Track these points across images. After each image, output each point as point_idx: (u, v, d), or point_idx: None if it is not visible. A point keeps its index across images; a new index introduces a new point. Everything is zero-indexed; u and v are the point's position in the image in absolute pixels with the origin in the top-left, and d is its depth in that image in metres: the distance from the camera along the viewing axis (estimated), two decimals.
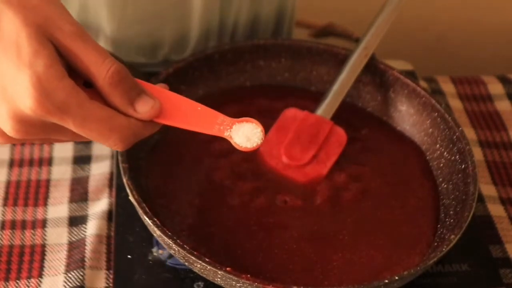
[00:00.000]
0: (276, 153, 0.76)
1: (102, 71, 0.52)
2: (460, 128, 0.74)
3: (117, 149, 0.54)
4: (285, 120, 0.78)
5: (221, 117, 0.57)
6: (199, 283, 0.68)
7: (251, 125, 0.57)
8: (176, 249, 0.63)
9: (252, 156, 0.76)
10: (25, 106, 0.50)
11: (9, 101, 0.51)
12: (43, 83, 0.50)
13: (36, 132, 0.52)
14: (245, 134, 0.56)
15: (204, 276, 0.65)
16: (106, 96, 0.53)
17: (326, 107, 0.78)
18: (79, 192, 0.78)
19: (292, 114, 0.78)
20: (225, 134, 0.56)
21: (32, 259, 0.72)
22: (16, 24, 0.50)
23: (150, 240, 0.70)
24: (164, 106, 0.56)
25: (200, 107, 0.57)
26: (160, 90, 0.56)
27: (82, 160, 0.81)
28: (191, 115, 0.57)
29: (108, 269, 0.71)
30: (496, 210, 0.80)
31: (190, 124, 0.57)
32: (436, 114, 0.77)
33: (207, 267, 0.62)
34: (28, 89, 0.50)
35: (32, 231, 0.75)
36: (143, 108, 0.54)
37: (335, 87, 0.78)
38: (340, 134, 0.77)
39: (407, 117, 0.80)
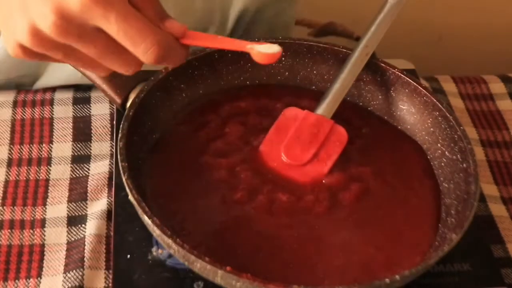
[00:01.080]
0: (276, 153, 0.75)
1: None
2: (462, 127, 0.74)
3: (148, 57, 0.55)
4: (285, 119, 0.78)
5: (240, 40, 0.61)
6: (199, 282, 0.67)
7: (269, 44, 0.60)
8: (176, 248, 0.63)
9: (252, 156, 0.76)
10: None
11: None
12: None
13: (73, 30, 0.53)
14: (265, 46, 0.60)
15: (204, 275, 0.64)
16: (141, 8, 0.55)
17: (327, 106, 0.78)
18: (78, 192, 0.78)
19: (292, 113, 0.78)
20: (247, 47, 0.60)
21: (31, 259, 0.72)
22: None
23: (149, 240, 0.70)
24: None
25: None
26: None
27: (81, 159, 0.81)
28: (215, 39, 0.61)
29: (107, 269, 0.71)
30: (497, 209, 0.80)
31: (216, 43, 0.61)
32: (438, 113, 0.77)
33: (207, 266, 0.62)
34: None
35: (31, 231, 0.74)
36: (173, 25, 0.57)
37: (336, 86, 0.78)
38: (341, 133, 0.76)
39: (408, 116, 0.80)
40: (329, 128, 0.76)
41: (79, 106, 0.87)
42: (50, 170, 0.80)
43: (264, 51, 0.59)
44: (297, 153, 0.75)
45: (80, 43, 0.54)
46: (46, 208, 0.76)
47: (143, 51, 0.54)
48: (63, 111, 0.86)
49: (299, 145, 0.75)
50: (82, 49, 0.55)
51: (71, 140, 0.83)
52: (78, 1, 0.51)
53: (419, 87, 0.78)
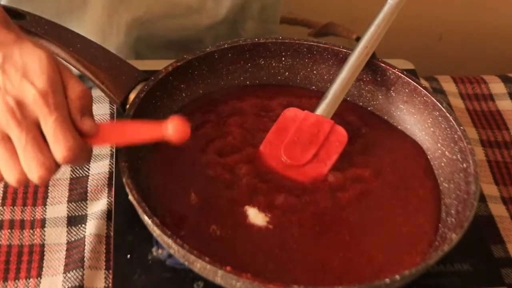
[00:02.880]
0: (276, 153, 0.75)
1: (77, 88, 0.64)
2: (462, 127, 0.74)
3: (61, 159, 0.61)
4: (285, 120, 0.77)
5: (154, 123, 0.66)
6: (199, 282, 0.67)
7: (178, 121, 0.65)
8: (176, 248, 0.63)
9: (252, 155, 0.76)
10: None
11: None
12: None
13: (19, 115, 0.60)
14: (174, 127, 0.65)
15: (204, 275, 0.64)
16: (71, 100, 0.63)
17: (326, 107, 0.77)
18: (78, 192, 0.78)
19: (292, 114, 0.78)
20: (162, 134, 0.65)
21: (31, 259, 0.72)
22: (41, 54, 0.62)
23: (149, 240, 0.70)
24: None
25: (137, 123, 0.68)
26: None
27: None
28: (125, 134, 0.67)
29: (107, 269, 0.71)
30: (497, 209, 0.80)
31: (127, 137, 0.67)
32: (437, 113, 0.77)
33: (207, 266, 0.62)
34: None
35: (31, 231, 0.74)
36: (88, 123, 0.63)
37: (336, 86, 0.78)
38: (341, 133, 0.76)
39: (408, 116, 0.80)
40: (329, 128, 0.76)
41: None
42: None
43: (173, 133, 0.65)
44: (297, 154, 0.75)
45: (18, 128, 0.60)
46: (46, 208, 0.76)
47: (60, 152, 0.61)
48: None
49: (299, 145, 0.75)
50: (14, 135, 0.60)
51: None
52: (32, 95, 0.60)
53: (419, 87, 0.78)
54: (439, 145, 0.77)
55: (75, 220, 0.75)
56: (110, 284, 0.70)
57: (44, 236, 0.74)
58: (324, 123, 0.76)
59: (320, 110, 0.78)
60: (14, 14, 0.74)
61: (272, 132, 0.77)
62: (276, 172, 0.74)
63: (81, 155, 0.62)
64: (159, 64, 0.79)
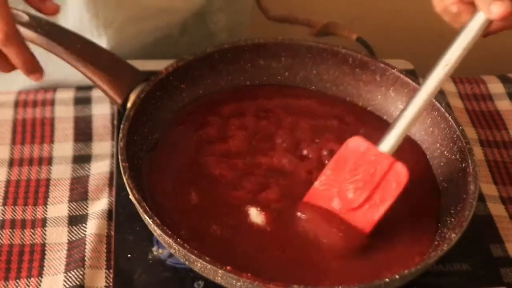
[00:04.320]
0: (329, 193, 0.70)
1: None
2: (461, 127, 0.74)
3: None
4: (347, 153, 0.70)
5: None
6: (199, 282, 0.67)
7: None
8: (176, 248, 0.63)
9: (252, 155, 0.76)
10: None
11: None
12: None
13: None
14: None
15: (204, 275, 0.64)
16: None
17: (391, 141, 0.69)
18: (79, 192, 0.78)
19: (355, 145, 0.70)
20: None
21: (32, 259, 0.72)
22: None
23: (150, 239, 0.70)
24: None
25: None
26: None
27: (82, 159, 0.81)
28: None
29: (108, 268, 0.71)
30: (496, 209, 0.80)
31: None
32: (437, 113, 0.77)
33: (207, 266, 0.62)
34: None
35: (32, 230, 0.74)
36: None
37: (406, 117, 0.69)
38: (400, 174, 0.68)
39: None
40: (387, 166, 0.68)
41: (80, 106, 0.87)
42: (51, 170, 0.80)
43: None
44: (349, 195, 0.68)
45: None
46: (47, 208, 0.76)
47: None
48: (64, 111, 0.86)
49: (353, 185, 0.69)
50: None
51: (72, 140, 0.83)
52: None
53: (418, 87, 0.78)
54: (438, 145, 0.77)
55: (76, 220, 0.76)
56: (110, 284, 0.70)
57: (45, 235, 0.74)
58: (382, 160, 0.69)
59: (383, 144, 0.69)
60: (14, 15, 0.75)
61: (330, 167, 0.70)
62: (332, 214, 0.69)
63: (13, 41, 0.67)
64: (159, 64, 0.79)
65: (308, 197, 0.71)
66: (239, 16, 1.03)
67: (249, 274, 0.61)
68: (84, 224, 0.75)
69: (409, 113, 0.69)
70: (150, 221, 0.64)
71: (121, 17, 0.89)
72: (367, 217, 0.69)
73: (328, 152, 0.76)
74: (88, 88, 0.88)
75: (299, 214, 0.70)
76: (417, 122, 0.71)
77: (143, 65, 0.80)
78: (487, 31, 0.67)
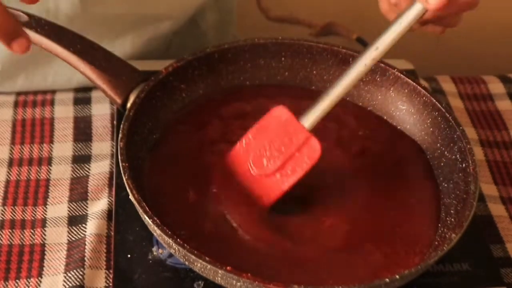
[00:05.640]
0: (245, 158, 0.71)
1: None
2: (461, 127, 0.74)
3: None
4: (270, 120, 0.72)
5: None
6: (199, 282, 0.67)
7: None
8: (176, 248, 0.63)
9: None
10: None
11: None
12: None
13: None
14: None
15: (204, 275, 0.64)
16: None
17: (311, 116, 0.71)
18: (79, 192, 0.78)
19: (278, 114, 0.72)
20: None
21: (32, 259, 0.72)
22: None
23: (150, 240, 0.70)
24: None
25: None
26: None
27: (81, 159, 0.81)
28: None
29: (108, 268, 0.71)
30: (497, 209, 0.80)
31: None
32: (437, 113, 0.77)
33: (207, 266, 0.62)
34: None
35: (32, 230, 0.74)
36: None
37: (331, 94, 0.71)
38: (314, 149, 0.70)
39: (408, 116, 0.80)
40: (302, 140, 0.70)
41: (79, 106, 0.87)
42: (50, 170, 0.80)
43: None
44: (263, 162, 0.70)
45: None
46: (46, 208, 0.76)
47: None
48: (63, 111, 0.86)
49: (268, 152, 0.70)
50: None
51: (72, 140, 0.83)
52: None
53: (418, 87, 0.79)
54: (438, 145, 0.77)
55: (75, 220, 0.75)
56: (110, 284, 0.70)
57: (45, 235, 0.74)
58: (299, 133, 0.70)
59: (304, 118, 0.71)
60: (14, 14, 0.75)
61: (252, 132, 0.72)
62: (238, 179, 0.71)
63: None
64: (159, 64, 0.79)
65: (230, 156, 0.72)
66: (226, 14, 1.03)
67: (249, 274, 0.61)
68: (84, 224, 0.75)
69: (333, 92, 0.71)
70: (150, 221, 0.64)
71: (119, 26, 0.89)
72: (276, 186, 0.70)
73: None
74: (88, 88, 0.88)
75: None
76: (345, 94, 0.71)
77: (143, 65, 0.80)
78: (422, 20, 0.70)
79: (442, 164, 0.76)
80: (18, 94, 0.88)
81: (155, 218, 0.64)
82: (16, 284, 0.70)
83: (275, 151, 0.70)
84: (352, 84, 0.70)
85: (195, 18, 0.98)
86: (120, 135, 0.70)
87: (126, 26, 0.89)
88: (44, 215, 0.76)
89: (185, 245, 0.63)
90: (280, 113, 0.72)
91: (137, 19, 0.89)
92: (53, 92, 0.88)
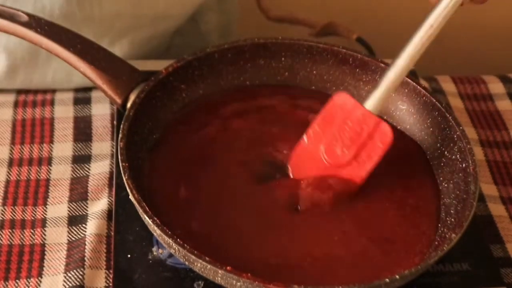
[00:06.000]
0: (316, 150, 0.70)
1: None
2: (461, 127, 0.74)
3: None
4: (333, 108, 0.71)
5: None
6: (199, 282, 0.67)
7: None
8: (176, 248, 0.63)
9: (252, 156, 0.76)
10: None
11: None
12: None
13: None
14: None
15: (204, 275, 0.64)
16: None
17: (376, 99, 0.70)
18: (79, 192, 0.78)
19: (341, 101, 0.71)
20: None
21: (32, 259, 0.72)
22: None
23: (150, 240, 0.70)
24: None
25: None
26: None
27: (81, 159, 0.81)
28: None
29: (108, 268, 0.71)
30: (497, 209, 0.80)
31: None
32: (437, 113, 0.77)
33: (207, 266, 0.62)
34: None
35: (32, 230, 0.74)
36: None
37: (391, 74, 0.70)
38: (385, 133, 0.70)
39: (408, 116, 0.80)
40: (372, 125, 0.70)
41: (79, 106, 0.87)
42: (50, 170, 0.80)
43: None
44: (337, 152, 0.69)
45: None
46: (46, 208, 0.76)
47: None
48: (63, 111, 0.86)
49: (340, 142, 0.70)
50: None
51: (72, 140, 0.83)
52: None
53: (418, 87, 0.79)
54: (438, 145, 0.77)
55: (75, 220, 0.75)
56: (110, 284, 0.70)
57: (45, 235, 0.74)
58: (368, 119, 0.70)
59: (369, 103, 0.70)
60: (14, 14, 0.75)
61: (318, 122, 0.71)
62: (313, 174, 0.71)
63: None
64: (159, 64, 0.79)
65: (296, 155, 0.71)
66: (229, 15, 1.03)
67: (249, 274, 0.61)
68: (84, 224, 0.75)
69: (393, 72, 0.70)
70: (150, 221, 0.64)
71: (117, 25, 0.89)
72: (356, 173, 0.70)
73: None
74: (88, 88, 0.88)
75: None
76: (406, 74, 0.71)
77: (143, 65, 0.80)
78: None
79: (442, 164, 0.76)
80: (18, 93, 0.88)
81: (155, 218, 0.64)
82: (16, 284, 0.70)
83: (347, 139, 0.70)
84: (409, 63, 0.69)
85: (196, 18, 0.98)
86: (120, 135, 0.70)
87: (124, 25, 0.89)
88: (44, 215, 0.76)
89: (185, 245, 0.63)
90: (344, 100, 0.71)
91: (136, 18, 0.89)
92: (53, 91, 0.88)
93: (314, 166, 0.71)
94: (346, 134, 0.70)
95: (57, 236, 0.74)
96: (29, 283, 0.70)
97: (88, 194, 0.78)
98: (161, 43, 0.94)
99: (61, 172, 0.80)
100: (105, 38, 0.87)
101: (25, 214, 0.76)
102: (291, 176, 0.72)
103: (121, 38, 0.90)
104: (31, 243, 0.73)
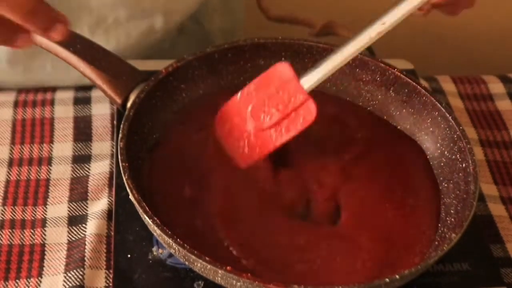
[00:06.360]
0: (243, 109, 0.72)
1: None
2: (461, 127, 0.74)
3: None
4: (273, 74, 0.72)
5: None
6: (199, 282, 0.67)
7: None
8: (176, 248, 0.63)
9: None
10: None
11: None
12: None
13: None
14: None
15: (204, 275, 0.64)
16: None
17: (312, 77, 0.71)
18: (79, 192, 0.78)
19: (281, 70, 0.72)
20: None
21: (32, 259, 0.72)
22: None
23: (150, 239, 0.70)
24: None
25: None
26: None
27: (81, 159, 0.81)
28: None
29: (108, 268, 0.71)
30: (497, 209, 0.80)
31: None
32: (437, 113, 0.77)
33: (207, 266, 0.62)
34: None
35: (32, 230, 0.74)
36: None
37: (333, 57, 0.71)
38: (309, 111, 0.70)
39: (408, 116, 0.80)
40: (300, 101, 0.70)
41: (79, 106, 0.87)
42: (50, 170, 0.80)
43: None
44: (260, 116, 0.71)
45: None
46: (46, 208, 0.76)
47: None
48: (63, 111, 0.86)
49: (266, 107, 0.71)
50: None
51: (72, 140, 0.83)
52: None
53: (418, 87, 0.79)
54: (438, 145, 0.77)
55: (75, 220, 0.75)
56: (110, 284, 0.70)
57: (45, 235, 0.74)
58: (298, 94, 0.71)
59: (305, 79, 0.71)
60: None
61: (254, 83, 0.72)
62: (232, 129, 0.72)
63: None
64: (159, 64, 0.79)
65: (226, 108, 0.73)
66: (234, 16, 1.03)
67: (249, 274, 0.61)
68: (84, 224, 0.75)
69: (335, 57, 0.70)
70: (150, 221, 0.64)
71: (113, 16, 0.89)
72: (267, 142, 0.70)
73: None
74: (88, 88, 0.88)
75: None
76: (349, 60, 0.71)
77: (143, 65, 0.80)
78: (433, 2, 0.69)
79: (442, 164, 0.76)
80: (18, 93, 0.88)
81: (155, 218, 0.64)
82: (16, 284, 0.70)
83: (273, 107, 0.71)
84: (353, 53, 0.70)
85: (200, 20, 0.98)
86: (120, 135, 0.70)
87: (121, 16, 0.89)
88: (44, 215, 0.76)
89: (185, 245, 0.63)
90: (283, 69, 0.72)
91: (133, 10, 0.89)
92: (53, 91, 0.88)
93: (238, 122, 0.72)
94: (274, 102, 0.71)
95: (57, 236, 0.74)
96: (29, 283, 0.70)
97: (88, 194, 0.78)
98: (161, 39, 0.94)
99: (61, 172, 0.80)
100: (101, 26, 0.87)
101: (25, 214, 0.76)
102: (215, 128, 0.73)
103: (117, 29, 0.90)
104: (31, 243, 0.73)
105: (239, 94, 0.73)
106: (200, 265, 0.63)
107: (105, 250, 0.73)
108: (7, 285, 0.70)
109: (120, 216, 0.73)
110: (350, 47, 0.70)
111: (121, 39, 0.90)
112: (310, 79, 0.71)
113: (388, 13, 0.69)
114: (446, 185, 0.74)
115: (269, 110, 0.71)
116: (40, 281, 0.70)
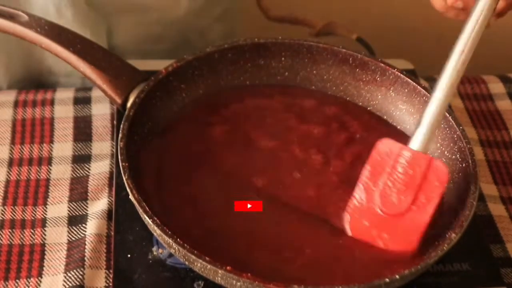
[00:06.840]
0: (369, 206, 0.68)
1: None
2: (461, 127, 0.74)
3: None
4: (379, 156, 0.69)
5: None
6: (199, 282, 0.67)
7: None
8: (176, 248, 0.63)
9: (252, 156, 0.76)
10: None
11: None
12: None
13: None
14: None
15: (204, 275, 0.64)
16: None
17: (423, 138, 0.68)
18: (79, 192, 0.78)
19: (386, 148, 0.69)
20: None
21: (32, 259, 0.72)
22: None
23: (150, 239, 0.70)
24: None
25: None
26: None
27: (81, 159, 0.81)
28: None
29: (108, 268, 0.71)
30: (497, 209, 0.80)
31: None
32: None
33: (207, 266, 0.62)
34: None
35: (32, 230, 0.74)
36: None
37: (432, 109, 0.68)
38: (441, 171, 0.68)
39: (408, 116, 0.80)
40: (425, 165, 0.67)
41: (79, 106, 0.87)
42: (50, 170, 0.80)
43: None
44: (393, 201, 0.67)
45: None
46: (46, 208, 0.76)
47: None
48: (63, 111, 0.86)
49: (394, 190, 0.67)
50: None
51: (72, 140, 0.83)
52: None
53: (418, 87, 0.79)
54: (438, 145, 0.77)
55: (75, 220, 0.75)
56: (110, 284, 0.70)
57: (45, 235, 0.74)
58: (419, 160, 0.67)
59: (415, 142, 0.68)
60: (14, 14, 0.75)
61: (366, 176, 0.69)
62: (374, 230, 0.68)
63: None
64: (159, 64, 0.79)
65: (352, 215, 0.69)
66: (233, 24, 1.05)
67: (249, 274, 0.61)
68: (84, 224, 0.75)
69: (432, 108, 0.68)
70: (150, 221, 0.64)
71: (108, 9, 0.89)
72: (417, 220, 0.67)
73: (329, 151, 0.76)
74: (88, 88, 0.88)
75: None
76: (447, 106, 0.69)
77: (143, 65, 0.80)
78: (497, 11, 0.67)
79: None
80: (19, 93, 0.88)
81: (155, 218, 0.64)
82: (16, 284, 0.70)
83: (401, 185, 0.67)
84: (450, 93, 0.67)
85: (203, 31, 0.99)
86: (120, 135, 0.70)
87: (118, 12, 0.89)
88: (44, 215, 0.76)
89: (185, 245, 0.63)
90: (388, 146, 0.69)
91: (123, 4, 0.90)
92: (53, 91, 0.88)
93: (373, 222, 0.68)
94: (398, 180, 0.67)
95: (57, 236, 0.74)
96: (29, 283, 0.70)
97: (88, 194, 0.78)
98: (157, 35, 0.95)
99: (61, 172, 0.80)
100: (88, 21, 0.88)
101: (25, 214, 0.76)
102: (350, 235, 0.69)
103: (111, 24, 0.90)
104: (31, 243, 0.73)
105: (355, 195, 0.69)
106: (200, 265, 0.63)
107: (105, 250, 0.73)
108: (7, 285, 0.70)
109: (120, 216, 0.73)
110: (441, 89, 0.67)
111: (120, 32, 0.90)
112: (420, 139, 0.68)
113: (460, 39, 0.68)
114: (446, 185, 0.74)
115: (399, 191, 0.67)
116: (40, 281, 0.70)
